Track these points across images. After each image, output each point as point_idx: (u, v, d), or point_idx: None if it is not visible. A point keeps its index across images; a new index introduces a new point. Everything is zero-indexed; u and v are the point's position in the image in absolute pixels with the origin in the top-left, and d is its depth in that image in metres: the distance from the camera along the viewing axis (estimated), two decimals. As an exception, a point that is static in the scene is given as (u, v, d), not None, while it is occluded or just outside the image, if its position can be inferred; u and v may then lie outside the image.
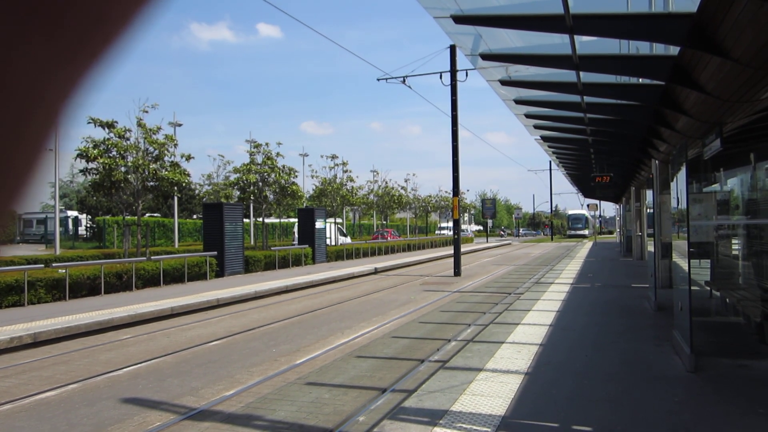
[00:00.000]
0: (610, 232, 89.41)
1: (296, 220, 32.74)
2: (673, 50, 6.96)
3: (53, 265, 16.10)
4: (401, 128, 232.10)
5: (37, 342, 10.29)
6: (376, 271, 24.77)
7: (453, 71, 22.72)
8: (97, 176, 19.75)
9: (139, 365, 8.68)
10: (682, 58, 6.87)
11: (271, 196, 29.51)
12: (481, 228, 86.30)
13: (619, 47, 7.85)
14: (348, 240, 41.19)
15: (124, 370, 8.43)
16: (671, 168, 11.58)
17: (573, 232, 78.38)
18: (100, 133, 19.48)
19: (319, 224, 29.55)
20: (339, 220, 40.48)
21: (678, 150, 8.46)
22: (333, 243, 34.42)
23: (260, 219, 33.01)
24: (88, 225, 44.13)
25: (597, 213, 63.77)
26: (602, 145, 15.90)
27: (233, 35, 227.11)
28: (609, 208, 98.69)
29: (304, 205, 35.94)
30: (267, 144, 29.20)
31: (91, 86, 0.39)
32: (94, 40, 0.38)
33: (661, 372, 7.07)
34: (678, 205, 9.29)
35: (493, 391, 6.29)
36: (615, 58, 7.94)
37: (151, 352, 9.56)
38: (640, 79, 9.09)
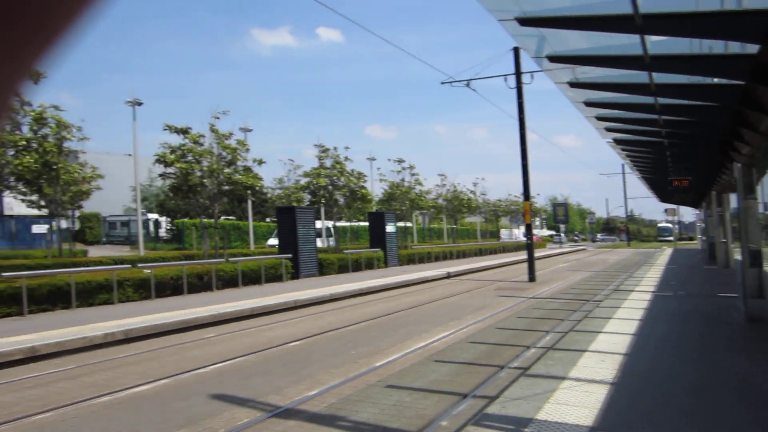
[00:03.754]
0: (691, 238, 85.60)
1: (367, 223, 33.00)
2: (751, 48, 6.62)
3: (139, 265, 16.92)
4: (467, 131, 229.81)
5: (128, 338, 10.83)
6: (448, 276, 24.68)
7: (518, 73, 22.35)
8: (175, 180, 20.60)
9: (224, 363, 8.99)
10: (763, 57, 6.51)
11: (342, 200, 29.88)
12: (553, 233, 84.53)
13: (690, 46, 7.53)
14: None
15: (210, 367, 8.75)
16: (756, 171, 10.99)
17: (662, 239, 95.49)
18: (175, 139, 20.35)
19: (389, 228, 29.68)
20: (409, 224, 40.56)
21: (763, 153, 8.03)
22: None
23: (331, 222, 33.49)
24: (168, 227, 45.93)
25: (675, 218, 61.92)
26: (679, 147, 15.24)
27: (294, 40, 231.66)
28: (688, 213, 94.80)
29: (374, 208, 36.20)
30: (335, 148, 29.59)
31: (33, 80, 0.42)
32: (39, 38, 0.40)
33: (758, 386, 6.73)
34: (766, 210, 8.81)
35: (578, 401, 6.15)
36: (689, 57, 7.61)
37: (235, 351, 9.88)
38: (716, 79, 8.68)
